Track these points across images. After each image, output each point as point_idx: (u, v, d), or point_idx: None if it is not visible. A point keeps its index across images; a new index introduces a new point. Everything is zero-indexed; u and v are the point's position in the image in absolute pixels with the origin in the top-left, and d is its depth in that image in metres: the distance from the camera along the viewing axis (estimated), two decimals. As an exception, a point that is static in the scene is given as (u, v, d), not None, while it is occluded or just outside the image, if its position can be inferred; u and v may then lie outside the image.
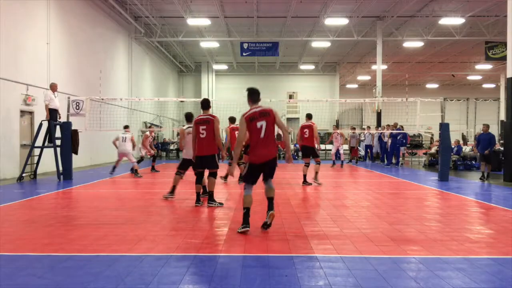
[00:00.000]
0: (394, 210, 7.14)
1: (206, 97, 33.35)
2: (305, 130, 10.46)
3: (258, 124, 5.16)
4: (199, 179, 7.41)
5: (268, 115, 5.21)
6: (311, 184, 10.42)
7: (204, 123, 7.03)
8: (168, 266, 4.00)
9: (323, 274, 3.79)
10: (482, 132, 12.71)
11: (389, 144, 17.89)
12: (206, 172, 7.40)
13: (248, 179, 5.31)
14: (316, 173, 10.58)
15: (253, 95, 5.39)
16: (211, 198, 7.23)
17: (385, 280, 3.66)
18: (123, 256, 4.31)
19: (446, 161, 12.11)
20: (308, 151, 10.53)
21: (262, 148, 5.18)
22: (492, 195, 9.20)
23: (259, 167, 5.25)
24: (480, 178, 12.18)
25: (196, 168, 7.35)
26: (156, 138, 25.99)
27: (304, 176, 10.58)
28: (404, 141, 18.21)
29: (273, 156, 5.24)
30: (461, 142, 19.46)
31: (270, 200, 5.28)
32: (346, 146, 21.27)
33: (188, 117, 8.24)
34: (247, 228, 5.19)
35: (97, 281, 3.58)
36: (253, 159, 5.24)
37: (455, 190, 9.89)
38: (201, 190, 7.56)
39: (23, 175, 11.22)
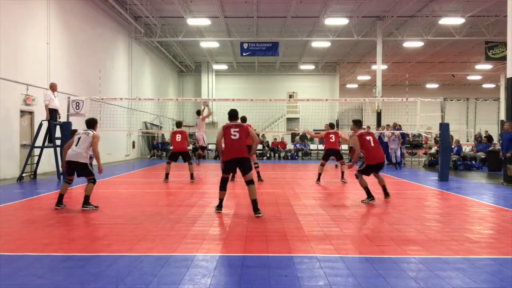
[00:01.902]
0: (394, 210, 7.15)
1: (207, 97, 33.51)
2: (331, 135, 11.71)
3: (367, 137, 7.81)
4: (224, 185, 6.70)
5: (372, 135, 8.00)
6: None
7: (236, 126, 6.69)
8: (168, 266, 4.00)
9: (323, 274, 3.79)
10: (504, 130, 11.46)
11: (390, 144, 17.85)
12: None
13: (364, 172, 7.83)
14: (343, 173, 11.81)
15: (359, 123, 8.34)
16: (256, 207, 6.47)
17: (385, 280, 3.66)
18: (123, 256, 4.31)
19: (446, 161, 12.10)
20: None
21: (376, 153, 7.75)
22: (492, 195, 9.20)
23: (374, 167, 7.76)
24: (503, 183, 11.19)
25: (227, 172, 6.67)
26: (156, 138, 26.04)
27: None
28: (403, 140, 18.17)
29: (383, 160, 7.87)
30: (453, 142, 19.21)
31: (384, 187, 8.02)
32: (345, 146, 21.18)
33: (89, 122, 7.40)
34: (373, 200, 7.70)
35: (97, 281, 3.58)
36: (369, 162, 7.73)
37: (455, 190, 9.90)
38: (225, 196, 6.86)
39: (23, 175, 11.22)
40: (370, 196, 7.74)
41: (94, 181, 7.12)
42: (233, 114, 6.95)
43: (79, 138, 7.11)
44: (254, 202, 6.51)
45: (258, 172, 11.36)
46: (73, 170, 7.12)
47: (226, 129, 6.71)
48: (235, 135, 6.57)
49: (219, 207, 6.79)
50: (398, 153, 17.09)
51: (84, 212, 6.86)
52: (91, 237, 5.13)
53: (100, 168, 7.26)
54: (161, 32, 23.89)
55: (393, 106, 21.17)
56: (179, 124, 12.31)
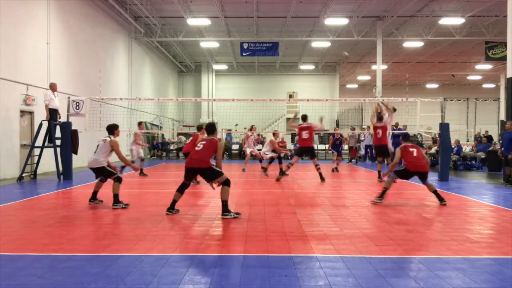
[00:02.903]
0: (394, 210, 7.15)
1: (207, 97, 33.49)
2: (378, 130, 11.67)
3: (411, 149, 7.90)
4: (181, 188, 6.71)
5: (417, 148, 8.02)
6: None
7: (205, 140, 6.71)
8: (168, 266, 4.00)
9: (323, 274, 3.79)
10: (506, 130, 11.26)
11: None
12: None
13: (401, 174, 7.94)
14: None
15: (406, 136, 8.48)
16: (225, 209, 6.40)
17: (385, 280, 3.66)
18: (123, 256, 4.31)
19: (446, 161, 12.11)
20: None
21: (416, 162, 7.76)
22: (492, 195, 9.20)
23: (411, 173, 7.84)
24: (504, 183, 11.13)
25: (186, 178, 6.69)
26: (156, 138, 26.01)
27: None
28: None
29: (422, 170, 7.74)
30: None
31: (435, 192, 7.78)
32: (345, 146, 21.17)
33: (109, 128, 7.64)
34: (381, 202, 7.68)
35: (97, 281, 3.58)
36: (407, 167, 7.83)
37: (455, 190, 9.89)
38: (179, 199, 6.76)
39: (23, 175, 11.22)
40: (381, 197, 7.79)
41: (118, 179, 7.26)
42: (208, 129, 6.88)
43: (97, 146, 7.39)
44: (223, 203, 6.43)
45: (320, 173, 11.57)
46: (96, 174, 7.51)
47: (196, 141, 6.88)
48: (199, 147, 6.66)
49: (171, 208, 6.63)
50: None
51: (84, 212, 6.87)
52: (91, 237, 5.13)
53: (134, 167, 7.67)
54: (161, 32, 23.89)
55: (393, 106, 21.13)
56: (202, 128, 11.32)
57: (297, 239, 5.04)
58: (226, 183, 6.46)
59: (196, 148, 6.72)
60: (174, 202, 6.69)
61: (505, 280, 3.71)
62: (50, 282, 3.58)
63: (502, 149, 11.48)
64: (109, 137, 7.45)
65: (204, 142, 6.71)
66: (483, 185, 11.30)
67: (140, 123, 13.93)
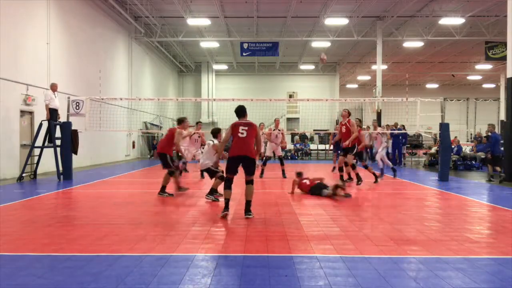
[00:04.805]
0: (394, 210, 7.14)
1: (207, 97, 33.49)
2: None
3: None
4: (228, 184, 6.60)
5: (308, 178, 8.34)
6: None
7: (245, 125, 6.56)
8: (168, 266, 4.00)
9: (323, 274, 3.79)
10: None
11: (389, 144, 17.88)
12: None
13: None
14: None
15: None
16: (248, 207, 6.46)
17: (385, 280, 3.66)
18: (123, 256, 4.31)
19: (446, 161, 12.11)
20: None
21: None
22: (492, 195, 9.20)
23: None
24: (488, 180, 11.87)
25: (230, 172, 6.56)
26: (155, 138, 25.98)
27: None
28: (404, 140, 18.19)
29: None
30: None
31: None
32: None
33: (212, 132, 8.60)
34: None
35: (97, 281, 3.58)
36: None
37: (455, 190, 9.89)
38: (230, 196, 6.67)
39: (23, 175, 11.21)
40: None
41: (221, 178, 7.88)
42: (238, 112, 6.71)
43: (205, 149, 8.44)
44: (248, 203, 6.46)
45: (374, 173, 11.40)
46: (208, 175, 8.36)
47: (235, 126, 6.58)
48: (242, 133, 6.45)
49: (226, 208, 6.44)
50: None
51: (84, 212, 6.87)
52: (91, 237, 5.13)
53: (224, 156, 7.36)
54: (161, 32, 23.88)
55: (393, 106, 21.15)
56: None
57: (297, 239, 5.04)
58: (253, 182, 6.58)
59: (240, 135, 6.47)
60: (227, 201, 6.55)
61: (505, 280, 3.71)
62: (50, 282, 3.58)
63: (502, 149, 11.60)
64: (212, 141, 8.28)
65: (246, 128, 6.49)
66: (483, 185, 11.30)
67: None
